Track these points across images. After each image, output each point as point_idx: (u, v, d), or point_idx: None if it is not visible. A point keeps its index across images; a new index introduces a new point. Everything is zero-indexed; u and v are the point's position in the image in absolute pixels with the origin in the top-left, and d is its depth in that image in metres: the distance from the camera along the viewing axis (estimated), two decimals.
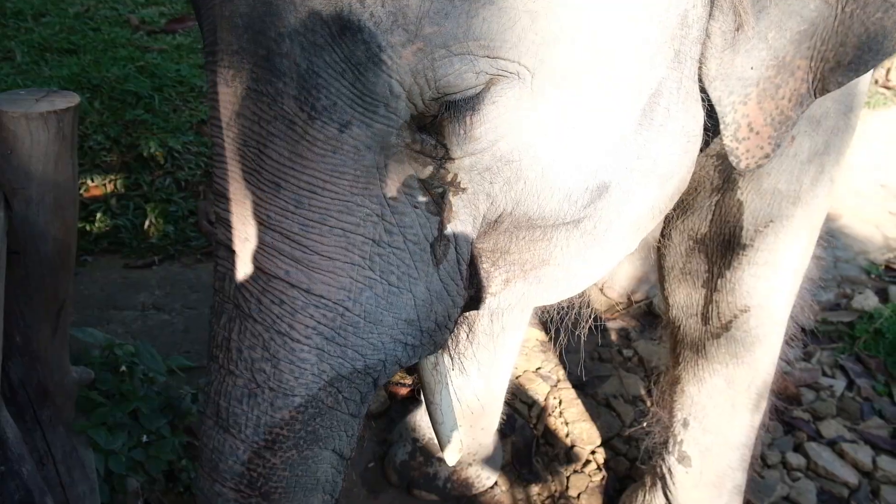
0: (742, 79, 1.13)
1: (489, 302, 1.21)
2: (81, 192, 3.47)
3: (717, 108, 1.16)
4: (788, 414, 2.71)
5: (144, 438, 2.01)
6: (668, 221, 1.73)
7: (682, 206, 1.65)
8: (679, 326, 1.89)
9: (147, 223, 3.47)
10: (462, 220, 1.07)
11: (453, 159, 1.00)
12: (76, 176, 1.62)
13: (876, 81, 5.61)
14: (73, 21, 4.84)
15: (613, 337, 3.15)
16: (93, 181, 3.53)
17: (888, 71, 5.61)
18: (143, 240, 3.43)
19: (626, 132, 1.09)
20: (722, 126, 1.18)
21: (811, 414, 2.75)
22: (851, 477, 2.48)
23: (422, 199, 1.02)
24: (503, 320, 2.17)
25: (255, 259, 1.01)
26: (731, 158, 1.20)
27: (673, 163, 1.19)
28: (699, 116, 1.19)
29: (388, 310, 1.04)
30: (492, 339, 2.18)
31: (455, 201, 1.04)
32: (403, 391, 2.76)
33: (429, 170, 1.00)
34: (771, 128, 1.17)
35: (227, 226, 1.04)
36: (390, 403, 2.72)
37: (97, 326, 2.67)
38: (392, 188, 1.00)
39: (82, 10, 5.06)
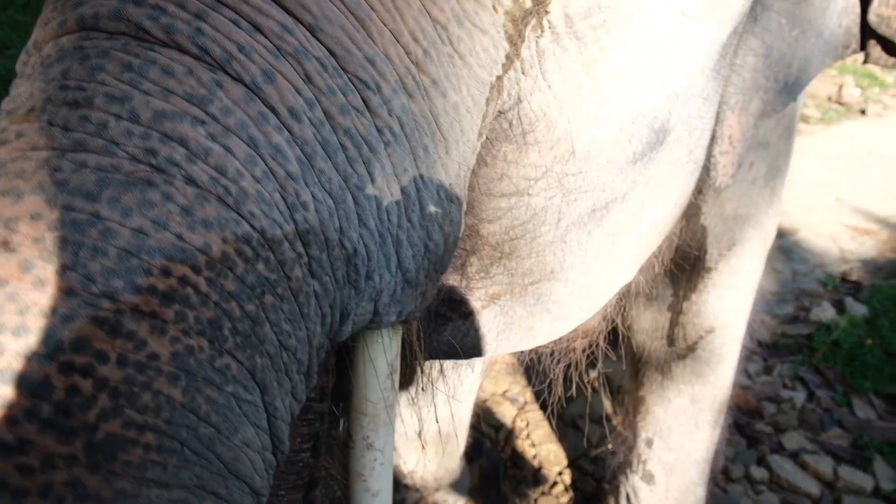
0: (742, 81, 1.05)
1: (461, 326, 0.95)
2: None
3: (721, 108, 1.05)
4: (751, 427, 2.75)
5: None
6: None
7: None
8: (644, 349, 1.92)
9: None
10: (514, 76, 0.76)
11: None
12: None
13: (829, 98, 5.76)
14: None
15: (578, 357, 3.17)
16: None
17: (840, 87, 5.78)
18: None
19: (708, 66, 0.93)
20: (717, 132, 1.08)
21: (773, 427, 2.79)
22: (814, 488, 2.51)
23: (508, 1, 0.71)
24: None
25: None
26: (712, 173, 1.13)
27: (703, 149, 1.03)
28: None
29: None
30: (458, 366, 2.19)
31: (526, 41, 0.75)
32: None
33: None
34: (740, 143, 1.13)
35: None
36: None
37: None
38: None
39: None
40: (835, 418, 2.82)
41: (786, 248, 3.83)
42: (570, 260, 0.95)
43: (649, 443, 2.01)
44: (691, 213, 1.58)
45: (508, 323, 0.99)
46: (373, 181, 0.61)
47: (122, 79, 0.52)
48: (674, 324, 1.77)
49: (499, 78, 0.72)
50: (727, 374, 1.89)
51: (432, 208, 0.67)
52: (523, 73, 0.76)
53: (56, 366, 0.43)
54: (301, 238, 0.56)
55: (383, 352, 0.72)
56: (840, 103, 5.70)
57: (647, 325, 1.84)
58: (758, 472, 2.57)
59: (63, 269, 0.45)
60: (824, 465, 2.58)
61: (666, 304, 1.75)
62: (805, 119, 5.32)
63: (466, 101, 0.69)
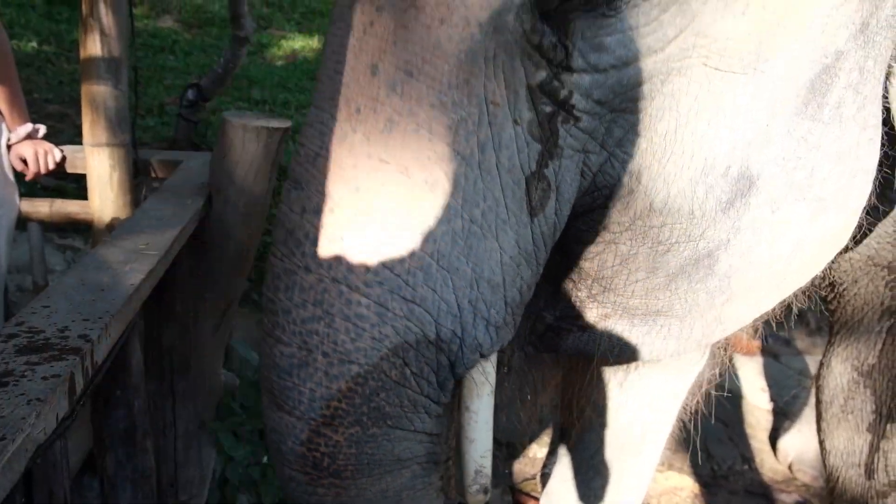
0: None
1: (580, 337, 1.06)
2: None
3: None
4: None
5: (265, 459, 2.10)
6: (829, 346, 1.56)
7: (847, 329, 1.49)
8: (837, 478, 1.63)
9: None
10: (568, 163, 0.87)
11: (571, 70, 0.81)
12: (271, 191, 1.84)
13: None
14: None
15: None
16: None
17: None
18: None
19: (785, 110, 0.88)
20: None
21: None
22: None
23: (526, 113, 0.82)
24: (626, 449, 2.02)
25: (322, 174, 0.82)
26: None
27: (835, 182, 0.96)
28: (877, 135, 0.96)
29: (468, 256, 0.83)
30: (619, 458, 2.03)
31: (563, 132, 0.85)
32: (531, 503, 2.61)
33: (541, 75, 0.81)
34: None
35: (298, 158, 0.87)
36: None
37: None
38: (496, 88, 0.80)
39: None
40: None
41: None
42: (679, 305, 1.00)
43: None
44: None
45: (622, 336, 1.06)
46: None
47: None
48: (874, 449, 1.49)
49: (534, 173, 0.85)
50: None
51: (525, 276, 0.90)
52: (586, 151, 0.88)
53: (313, 434, 0.85)
54: (394, 352, 0.84)
55: (482, 372, 0.93)
56: None
57: (841, 446, 1.57)
58: None
59: (291, 409, 0.87)
60: None
61: (866, 422, 1.50)
62: None
63: (504, 189, 0.85)
